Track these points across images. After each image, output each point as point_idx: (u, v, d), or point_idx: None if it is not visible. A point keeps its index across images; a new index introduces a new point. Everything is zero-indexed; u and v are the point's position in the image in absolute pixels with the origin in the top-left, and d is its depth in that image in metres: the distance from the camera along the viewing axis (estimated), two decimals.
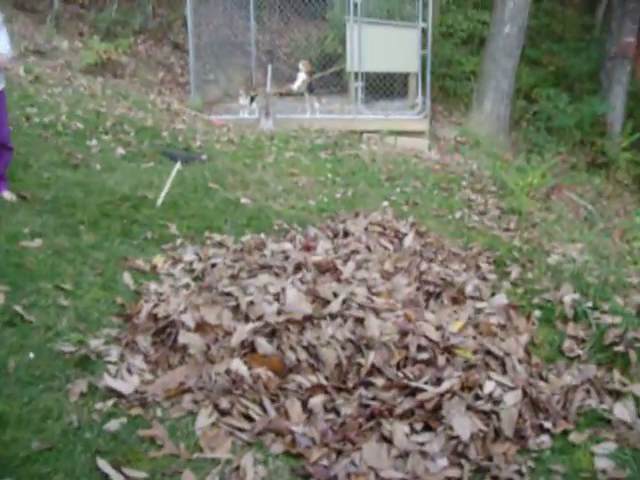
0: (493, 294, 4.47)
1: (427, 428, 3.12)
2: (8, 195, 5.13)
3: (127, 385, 3.17)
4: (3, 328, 3.46)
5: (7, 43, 4.89)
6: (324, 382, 3.30)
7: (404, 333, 3.57)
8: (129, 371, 3.29)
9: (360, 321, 3.62)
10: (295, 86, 10.80)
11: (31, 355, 3.26)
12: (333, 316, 3.65)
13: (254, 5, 11.43)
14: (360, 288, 4.00)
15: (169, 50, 12.92)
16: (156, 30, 13.05)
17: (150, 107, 9.39)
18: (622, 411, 3.37)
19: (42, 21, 11.37)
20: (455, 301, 4.22)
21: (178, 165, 6.02)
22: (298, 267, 4.36)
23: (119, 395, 3.11)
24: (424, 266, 4.67)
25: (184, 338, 3.43)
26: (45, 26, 11.22)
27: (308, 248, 4.78)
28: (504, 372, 3.48)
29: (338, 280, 4.17)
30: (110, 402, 3.05)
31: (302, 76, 10.71)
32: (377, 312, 3.74)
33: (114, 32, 11.84)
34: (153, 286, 4.14)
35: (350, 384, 3.32)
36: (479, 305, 4.17)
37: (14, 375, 3.13)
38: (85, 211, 5.05)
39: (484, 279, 4.80)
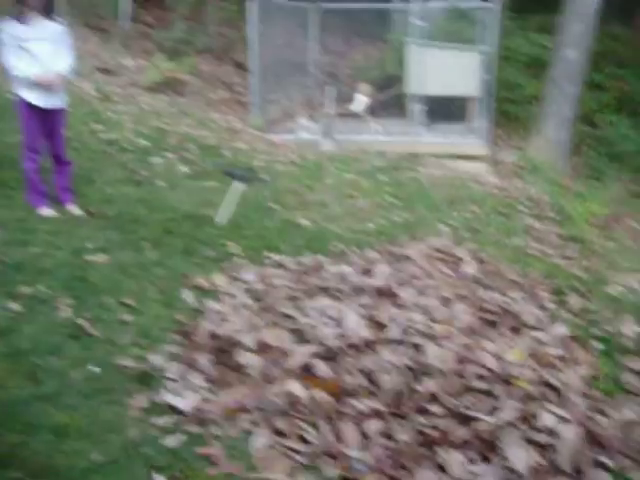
0: (552, 324, 4.42)
1: (483, 458, 3.09)
2: (74, 209, 5.25)
3: (186, 402, 3.22)
4: (67, 340, 3.56)
5: (68, 62, 4.95)
6: (380, 407, 3.29)
7: (462, 361, 3.55)
8: (188, 388, 3.33)
9: (418, 348, 3.62)
10: (355, 107, 10.86)
11: (96, 369, 3.33)
12: (392, 342, 3.65)
13: (315, 26, 11.58)
14: (419, 314, 3.99)
15: (231, 69, 13.13)
16: (219, 49, 13.29)
17: (212, 125, 9.53)
18: None
19: (110, 40, 11.67)
20: (514, 330, 4.17)
21: (241, 185, 6.09)
22: (357, 291, 4.37)
23: (178, 412, 3.16)
24: (483, 294, 4.64)
25: (244, 358, 3.47)
26: (113, 45, 11.50)
27: (366, 272, 4.78)
28: (562, 404, 3.43)
29: (397, 305, 4.17)
30: (169, 418, 3.10)
31: (361, 97, 10.78)
32: (436, 339, 3.73)
33: (178, 51, 12.09)
34: (213, 304, 4.19)
35: (406, 410, 3.31)
36: (538, 335, 4.11)
37: (76, 387, 3.21)
38: (148, 228, 5.14)
39: (543, 308, 4.73)
